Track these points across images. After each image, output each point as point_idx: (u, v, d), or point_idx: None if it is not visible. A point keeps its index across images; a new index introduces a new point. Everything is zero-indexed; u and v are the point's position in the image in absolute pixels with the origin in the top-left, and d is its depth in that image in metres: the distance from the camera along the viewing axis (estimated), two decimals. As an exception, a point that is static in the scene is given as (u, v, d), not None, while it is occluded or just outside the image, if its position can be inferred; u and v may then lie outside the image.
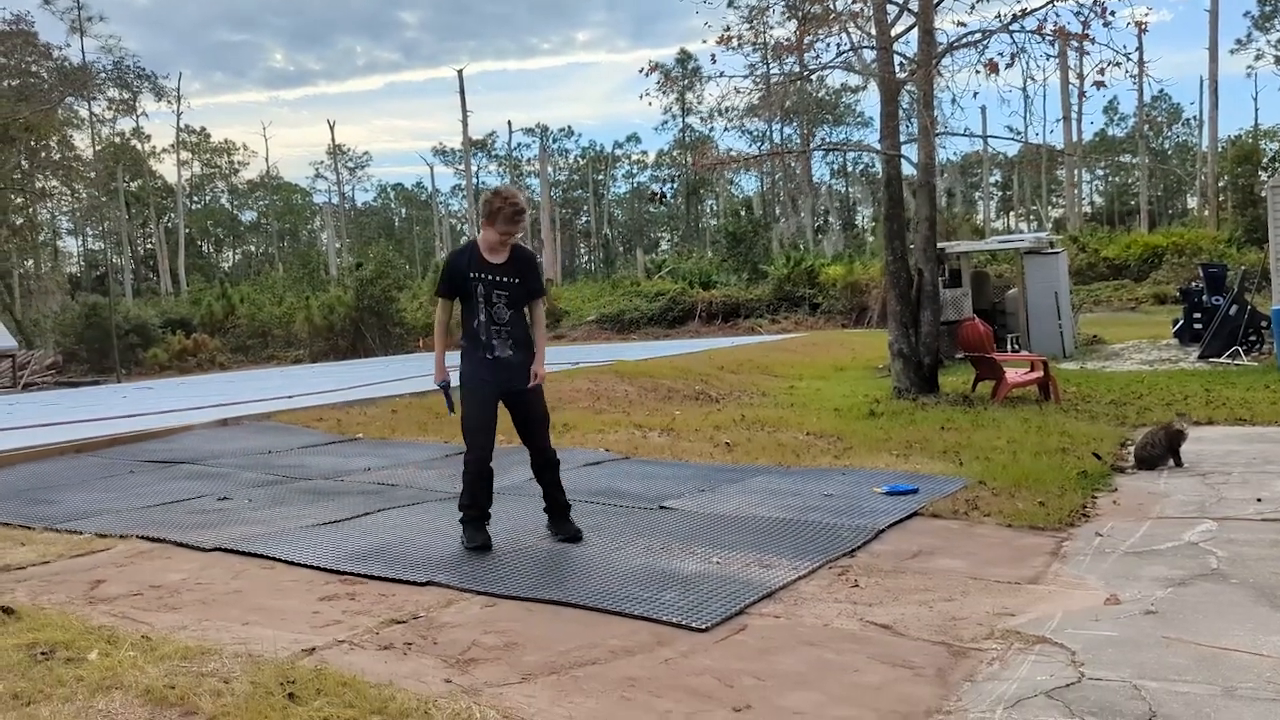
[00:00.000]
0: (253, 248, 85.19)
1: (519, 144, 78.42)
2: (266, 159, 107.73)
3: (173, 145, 66.81)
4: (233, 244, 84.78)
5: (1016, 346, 17.15)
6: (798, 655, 3.85)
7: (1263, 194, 20.42)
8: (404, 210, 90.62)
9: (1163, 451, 7.28)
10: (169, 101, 61.22)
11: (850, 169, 75.12)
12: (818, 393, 13.51)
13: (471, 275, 5.37)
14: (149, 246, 69.31)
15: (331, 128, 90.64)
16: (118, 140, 63.45)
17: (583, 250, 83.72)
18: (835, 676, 3.62)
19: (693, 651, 3.91)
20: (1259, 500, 6.01)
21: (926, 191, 12.66)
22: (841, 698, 3.41)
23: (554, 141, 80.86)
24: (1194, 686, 3.32)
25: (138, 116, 62.45)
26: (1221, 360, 14.74)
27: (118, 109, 59.28)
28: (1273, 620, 3.94)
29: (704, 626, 4.16)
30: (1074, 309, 19.80)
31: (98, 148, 59.02)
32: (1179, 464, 7.24)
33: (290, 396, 14.21)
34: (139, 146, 65.43)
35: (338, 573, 5.13)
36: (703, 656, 3.86)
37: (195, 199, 77.43)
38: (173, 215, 66.46)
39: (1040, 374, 11.66)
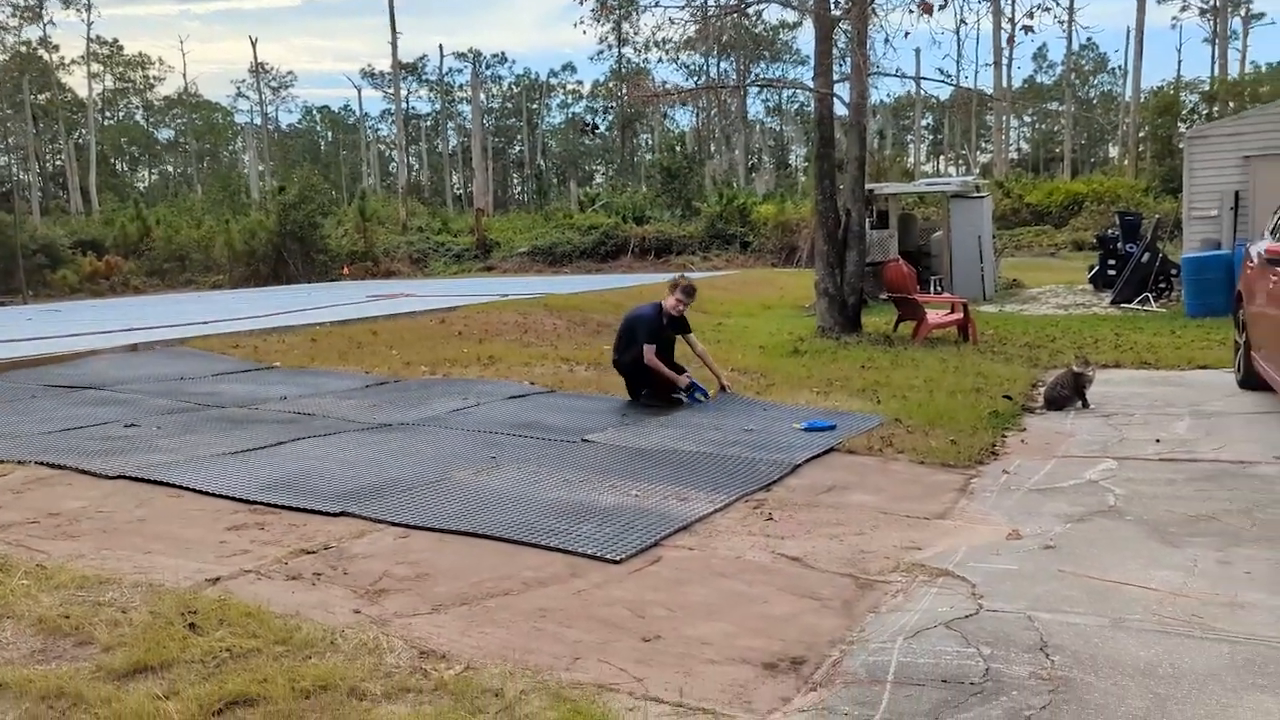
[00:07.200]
0: (170, 168, 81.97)
1: (450, 69, 76.33)
2: (184, 75, 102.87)
3: (83, 57, 63.66)
4: (149, 163, 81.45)
5: (939, 288, 17.44)
6: (709, 587, 3.90)
7: (1180, 145, 20.92)
8: (330, 134, 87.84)
9: (1070, 393, 7.50)
10: (78, 10, 58.16)
11: (785, 107, 74.94)
12: (745, 330, 13.59)
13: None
14: (58, 163, 66.24)
15: (254, 44, 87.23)
16: (23, 49, 60.10)
17: (515, 181, 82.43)
18: (745, 607, 3.68)
19: (606, 583, 3.93)
20: (1158, 441, 6.24)
21: (857, 132, 12.67)
22: (750, 628, 3.47)
23: (487, 68, 78.83)
24: (1084, 618, 3.44)
25: (45, 25, 59.27)
26: (1132, 306, 15.20)
27: (22, 15, 56.11)
28: (1162, 555, 4.10)
29: (618, 558, 4.18)
30: (996, 253, 20.17)
31: (2, 57, 55.93)
32: (1086, 405, 7.47)
33: (206, 322, 13.84)
34: (46, 57, 62.10)
35: (247, 502, 5.04)
36: (615, 588, 3.88)
37: (108, 114, 74.01)
38: (83, 131, 63.48)
39: (960, 316, 11.88)
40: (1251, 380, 7.68)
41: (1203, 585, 3.73)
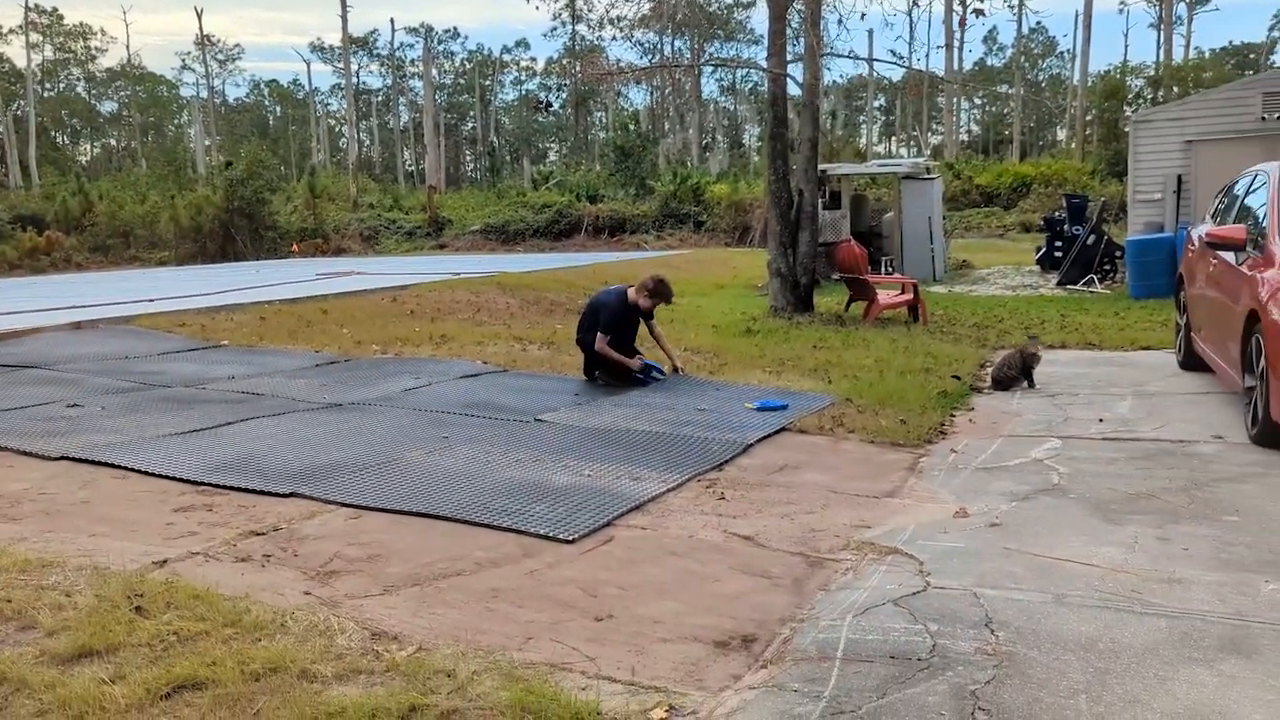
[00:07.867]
0: (113, 141, 79.86)
1: (402, 44, 75.20)
2: (127, 47, 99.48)
3: (20, 26, 61.68)
4: (91, 136, 79.24)
5: (890, 269, 17.60)
6: (662, 566, 3.92)
7: (1126, 129, 21.31)
8: (279, 108, 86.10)
9: (1017, 373, 7.63)
10: (14, -23, 56.25)
11: (739, 86, 74.89)
12: (698, 310, 13.62)
13: None
14: (-5, 135, 64.27)
15: (199, 15, 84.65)
16: (-44, 17, 58.14)
17: (468, 158, 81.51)
18: (696, 586, 3.71)
19: (559, 562, 3.94)
20: (1101, 420, 6.38)
21: (810, 112, 12.71)
22: (701, 607, 3.50)
23: (439, 43, 77.81)
24: (1028, 594, 3.52)
25: (-21, -8, 57.29)
26: (1078, 287, 15.48)
27: (-45, -18, 54.16)
28: (1104, 532, 4.20)
29: (571, 538, 4.19)
30: (946, 234, 20.40)
31: (-67, 24, 54.01)
32: (1032, 385, 7.61)
33: (152, 300, 13.56)
34: (-19, 25, 60.17)
35: (195, 483, 4.96)
36: (568, 568, 3.89)
37: (48, 86, 71.84)
38: (22, 102, 61.62)
39: (910, 296, 12.01)
40: (1192, 361, 7.88)
41: (1142, 561, 3.83)
